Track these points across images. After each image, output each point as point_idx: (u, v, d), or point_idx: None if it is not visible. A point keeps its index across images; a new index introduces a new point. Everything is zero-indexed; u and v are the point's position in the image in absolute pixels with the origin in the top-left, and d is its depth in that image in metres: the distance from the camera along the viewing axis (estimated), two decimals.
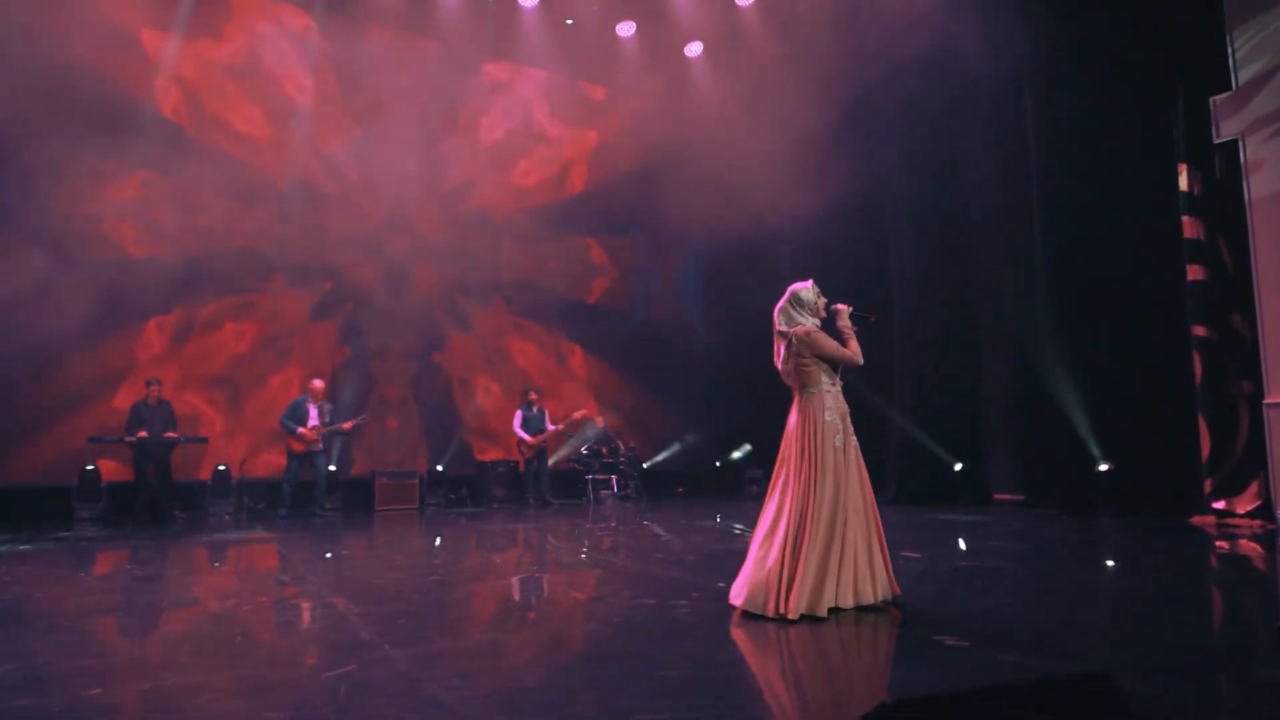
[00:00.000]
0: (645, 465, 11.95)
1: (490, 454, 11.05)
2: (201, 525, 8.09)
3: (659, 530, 7.24)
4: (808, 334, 4.05)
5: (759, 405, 12.27)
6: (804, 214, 11.24)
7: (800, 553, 3.88)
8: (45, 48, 8.92)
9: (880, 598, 3.77)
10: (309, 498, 9.49)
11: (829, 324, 4.18)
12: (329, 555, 5.99)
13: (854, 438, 3.95)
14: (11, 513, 8.51)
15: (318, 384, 9.34)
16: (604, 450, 10.84)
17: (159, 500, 8.65)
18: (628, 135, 12.68)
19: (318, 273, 10.50)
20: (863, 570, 3.77)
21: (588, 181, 12.65)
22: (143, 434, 8.59)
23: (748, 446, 12.66)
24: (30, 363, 8.90)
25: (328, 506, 9.68)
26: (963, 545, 5.88)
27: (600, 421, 11.13)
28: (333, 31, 10.65)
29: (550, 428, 10.42)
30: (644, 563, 5.41)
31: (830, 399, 3.98)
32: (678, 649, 3.06)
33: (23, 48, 8.77)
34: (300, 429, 9.07)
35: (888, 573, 3.84)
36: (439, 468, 10.43)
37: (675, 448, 12.47)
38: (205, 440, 9.17)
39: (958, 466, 9.50)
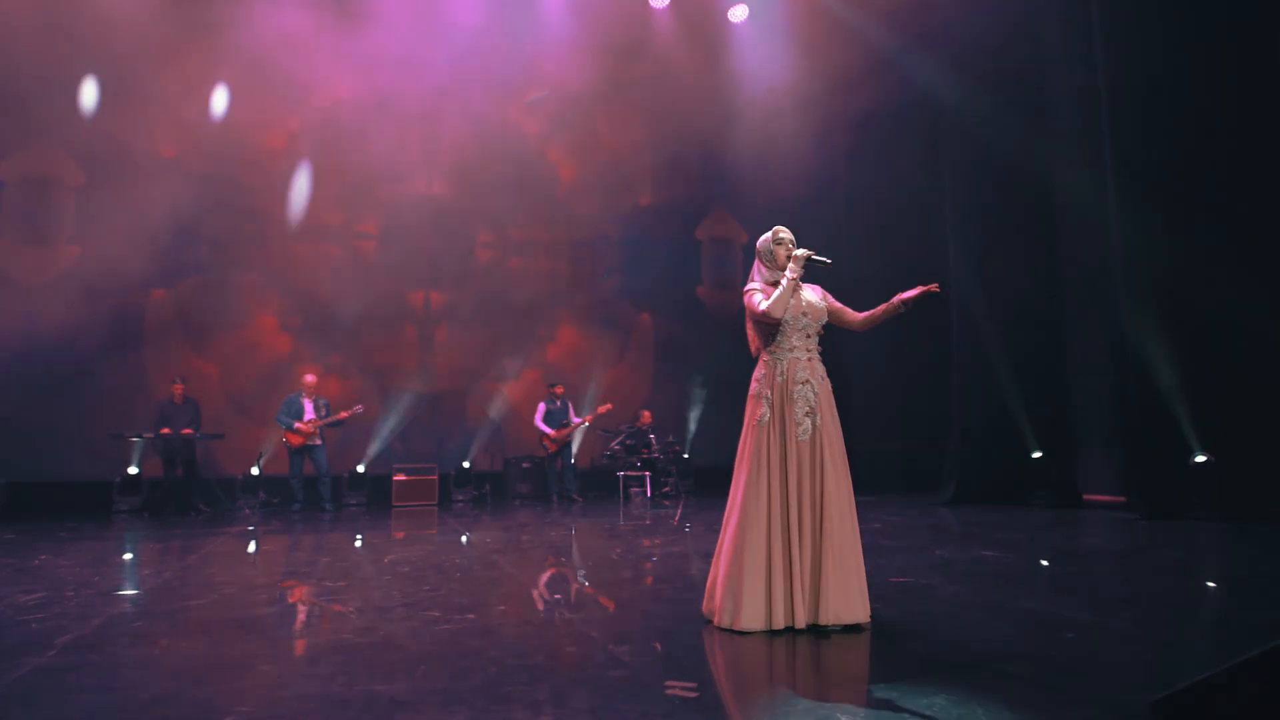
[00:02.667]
0: (685, 457, 11.32)
1: (515, 449, 10.65)
2: (222, 519, 8.07)
3: (690, 529, 6.63)
4: (744, 293, 3.39)
5: None
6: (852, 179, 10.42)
7: (719, 554, 3.22)
8: None
9: (822, 621, 3.02)
10: (334, 494, 9.47)
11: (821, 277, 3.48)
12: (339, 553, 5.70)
13: (814, 420, 3.17)
14: (60, 504, 8.78)
15: (310, 378, 9.23)
16: (641, 447, 10.26)
17: (182, 494, 8.71)
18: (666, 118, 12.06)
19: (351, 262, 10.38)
20: (796, 586, 3.05)
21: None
22: (165, 431, 8.65)
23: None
24: (78, 362, 9.18)
25: (352, 502, 9.54)
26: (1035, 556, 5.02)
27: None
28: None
29: (576, 421, 9.94)
30: (646, 571, 4.81)
31: (767, 368, 3.31)
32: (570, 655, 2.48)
33: None
34: (297, 423, 8.94)
35: (849, 594, 3.04)
36: (465, 464, 10.12)
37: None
38: (221, 436, 9.15)
39: (1036, 454, 8.40)
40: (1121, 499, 7.79)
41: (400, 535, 6.72)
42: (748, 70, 11.30)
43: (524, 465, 10.15)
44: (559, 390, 9.97)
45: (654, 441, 10.23)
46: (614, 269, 11.78)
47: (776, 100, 10.84)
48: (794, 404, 3.20)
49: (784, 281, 3.27)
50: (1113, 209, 7.38)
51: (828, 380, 3.33)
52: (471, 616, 3.39)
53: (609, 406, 10.10)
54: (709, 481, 11.50)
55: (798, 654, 2.83)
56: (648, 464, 10.17)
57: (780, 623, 3.03)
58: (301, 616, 3.60)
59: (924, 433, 9.76)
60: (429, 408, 10.55)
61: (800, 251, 3.33)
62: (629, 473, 10.16)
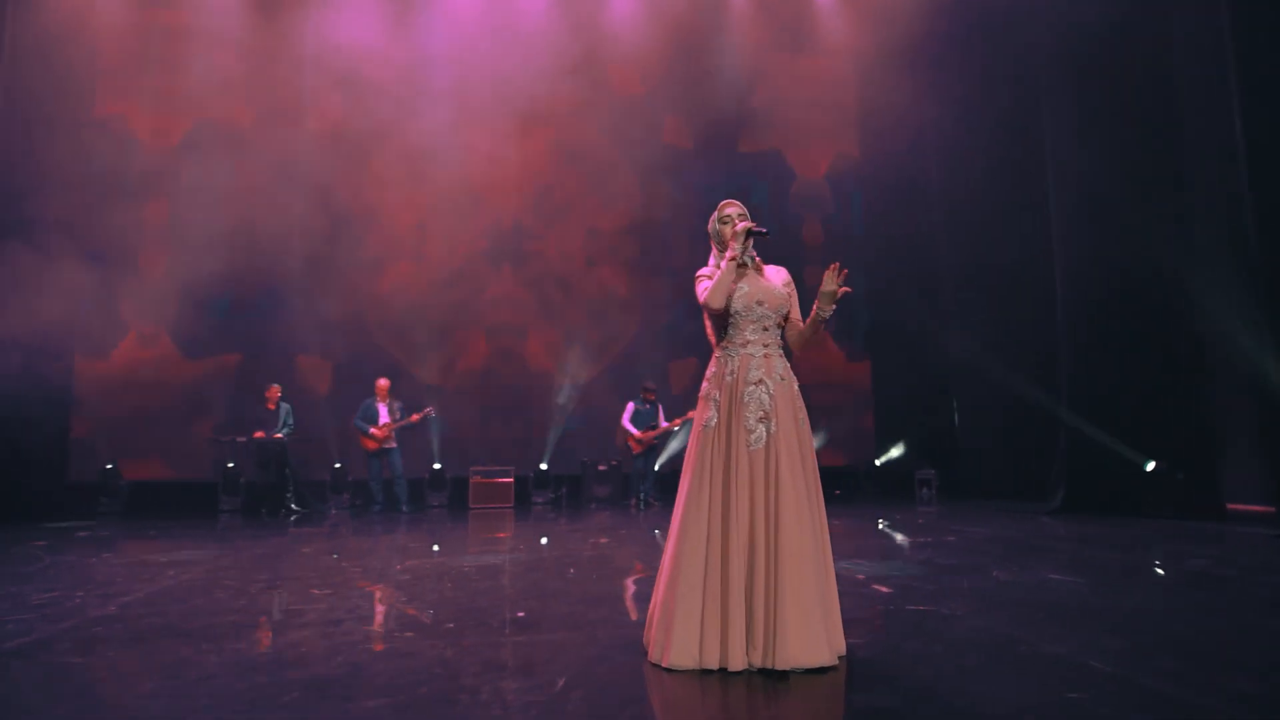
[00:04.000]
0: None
1: (593, 452, 10.50)
2: (310, 519, 8.44)
3: None
4: (695, 280, 3.02)
5: (923, 392, 10.74)
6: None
7: (659, 577, 2.87)
8: None
9: (779, 666, 2.58)
10: (416, 495, 9.72)
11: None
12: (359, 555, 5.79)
13: (768, 426, 2.73)
14: (174, 503, 9.52)
15: (383, 383, 9.44)
16: None
17: (274, 495, 9.18)
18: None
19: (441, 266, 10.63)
20: (733, 621, 2.64)
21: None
22: (258, 434, 9.16)
23: (900, 445, 11.05)
24: (189, 366, 9.92)
25: (434, 504, 9.75)
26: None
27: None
28: None
29: (664, 424, 9.67)
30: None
31: (717, 365, 2.92)
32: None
33: None
34: (372, 428, 9.17)
35: (811, 634, 2.58)
36: (543, 466, 10.11)
37: (895, 450, 11.09)
38: (309, 440, 9.56)
39: (1153, 461, 7.35)
40: (1272, 509, 6.66)
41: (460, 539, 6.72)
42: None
43: (601, 468, 10.00)
44: (650, 393, 9.68)
45: None
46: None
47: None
48: (744, 408, 2.78)
49: (722, 264, 2.87)
50: (1244, 173, 6.31)
51: (792, 380, 2.89)
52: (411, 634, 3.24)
53: (691, 415, 9.74)
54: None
55: (730, 698, 2.45)
56: None
57: (713, 662, 2.64)
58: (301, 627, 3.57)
59: (1036, 433, 8.80)
60: (509, 408, 10.61)
61: (741, 226, 2.88)
62: None
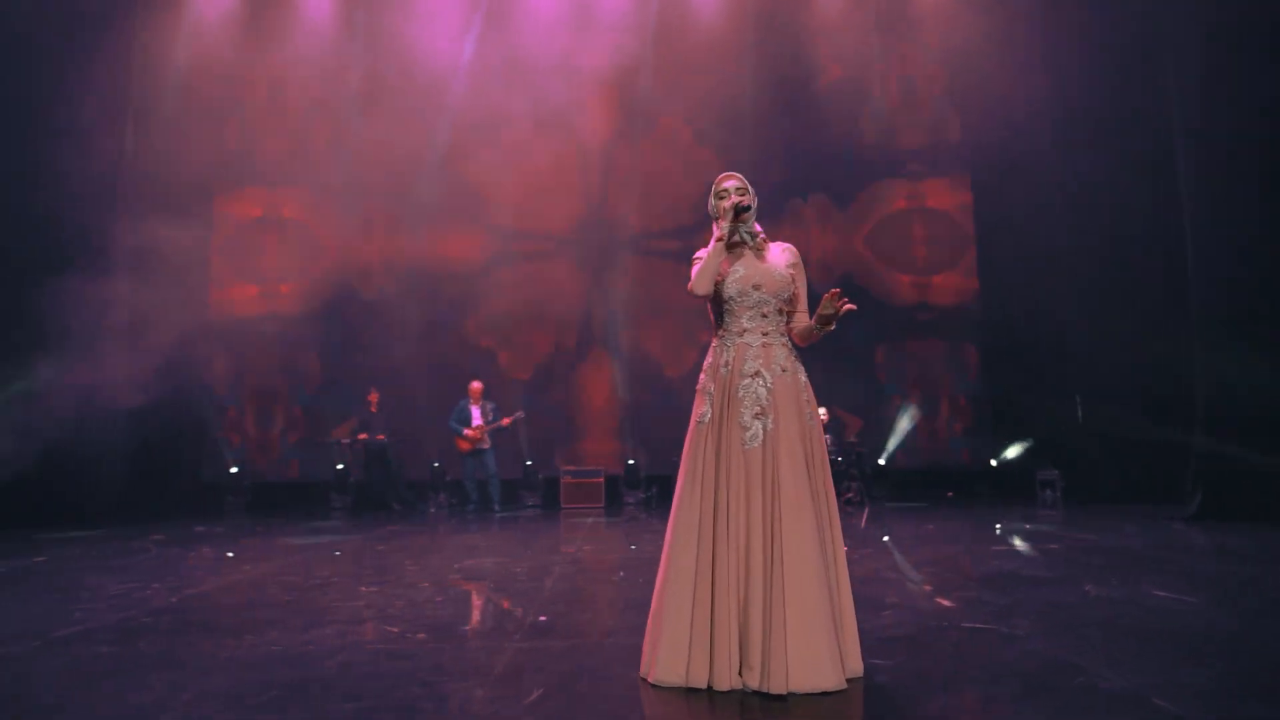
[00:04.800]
0: (880, 462, 10.24)
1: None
2: (411, 516, 8.76)
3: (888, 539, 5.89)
4: (691, 261, 2.78)
5: (1042, 388, 9.89)
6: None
7: (655, 586, 2.65)
8: None
9: (773, 689, 2.31)
10: (510, 495, 9.89)
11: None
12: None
13: (764, 423, 2.48)
14: (290, 502, 10.14)
15: (476, 385, 9.59)
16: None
17: (378, 493, 9.60)
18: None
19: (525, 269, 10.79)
20: (721, 637, 2.40)
21: None
22: (363, 436, 9.60)
23: (1020, 443, 10.20)
24: (303, 371, 10.56)
25: (529, 503, 9.88)
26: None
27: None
28: None
29: None
30: None
31: (713, 355, 2.67)
32: None
33: None
34: (465, 430, 9.34)
35: (814, 654, 2.30)
36: (630, 462, 10.02)
37: (1017, 448, 10.36)
38: (403, 442, 9.90)
39: None
40: None
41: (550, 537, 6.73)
42: None
43: None
44: None
45: (829, 442, 9.34)
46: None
47: None
48: (739, 403, 2.53)
49: (709, 245, 2.62)
50: None
51: (796, 372, 2.62)
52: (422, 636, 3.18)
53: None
54: (910, 485, 10.30)
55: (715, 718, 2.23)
56: None
57: (700, 681, 2.41)
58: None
59: (1169, 431, 7.84)
60: (601, 408, 10.59)
61: (728, 203, 2.62)
62: None
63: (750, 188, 2.70)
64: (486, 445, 9.43)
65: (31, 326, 7.86)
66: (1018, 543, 5.83)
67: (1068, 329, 9.40)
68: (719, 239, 2.61)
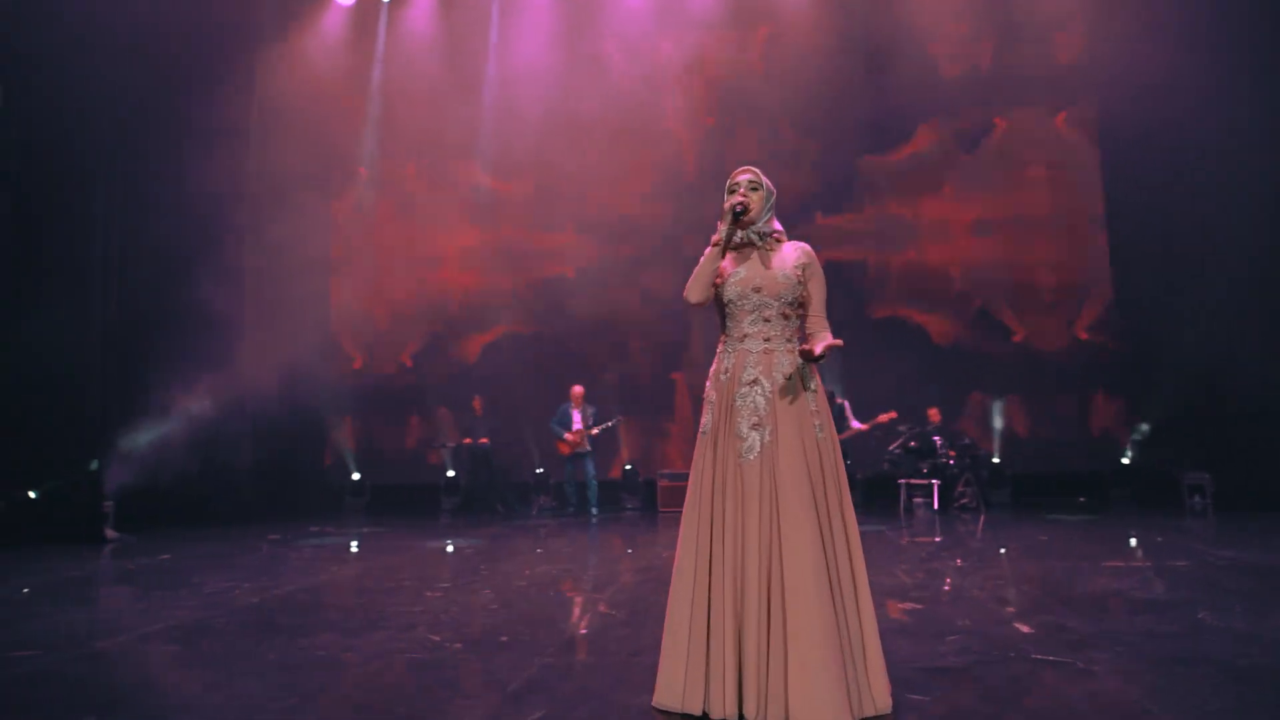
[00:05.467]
0: (996, 461, 9.53)
1: None
2: (513, 518, 9.00)
3: (1005, 551, 5.54)
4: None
5: (1186, 384, 8.90)
6: None
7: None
8: None
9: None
10: (611, 498, 9.95)
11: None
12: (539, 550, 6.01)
13: (761, 434, 2.32)
14: (405, 504, 10.63)
15: (577, 389, 9.65)
16: (927, 450, 8.90)
17: (482, 496, 9.90)
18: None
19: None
20: (715, 663, 2.24)
21: None
22: (467, 440, 9.93)
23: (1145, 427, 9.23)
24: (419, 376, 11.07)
25: (629, 506, 9.89)
26: None
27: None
28: None
29: (855, 425, 8.96)
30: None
31: (717, 362, 2.53)
32: None
33: None
34: (566, 433, 9.43)
35: (814, 689, 2.10)
36: None
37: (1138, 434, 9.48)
38: (506, 445, 10.14)
39: None
40: None
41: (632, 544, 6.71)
42: None
43: None
44: (833, 396, 9.07)
45: (940, 444, 8.78)
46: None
47: None
48: (736, 412, 2.39)
49: (707, 250, 2.47)
50: None
51: (806, 378, 2.44)
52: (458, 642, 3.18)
53: (893, 415, 8.90)
54: (1032, 491, 9.54)
55: None
56: (936, 471, 8.76)
57: (695, 707, 2.27)
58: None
59: None
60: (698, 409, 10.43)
61: (727, 204, 2.46)
62: (913, 481, 8.87)
63: (765, 182, 2.52)
64: (586, 449, 9.51)
65: (170, 333, 8.53)
66: (1139, 558, 5.23)
67: (1213, 322, 8.38)
68: (715, 242, 2.45)
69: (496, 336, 10.91)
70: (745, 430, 2.35)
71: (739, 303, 2.45)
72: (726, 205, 2.46)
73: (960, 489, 8.91)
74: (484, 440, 9.86)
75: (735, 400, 2.39)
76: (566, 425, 9.57)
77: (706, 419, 2.46)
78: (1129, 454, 9.47)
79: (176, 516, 8.53)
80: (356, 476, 10.66)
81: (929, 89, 10.20)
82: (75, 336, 7.43)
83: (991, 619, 3.50)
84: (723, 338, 2.54)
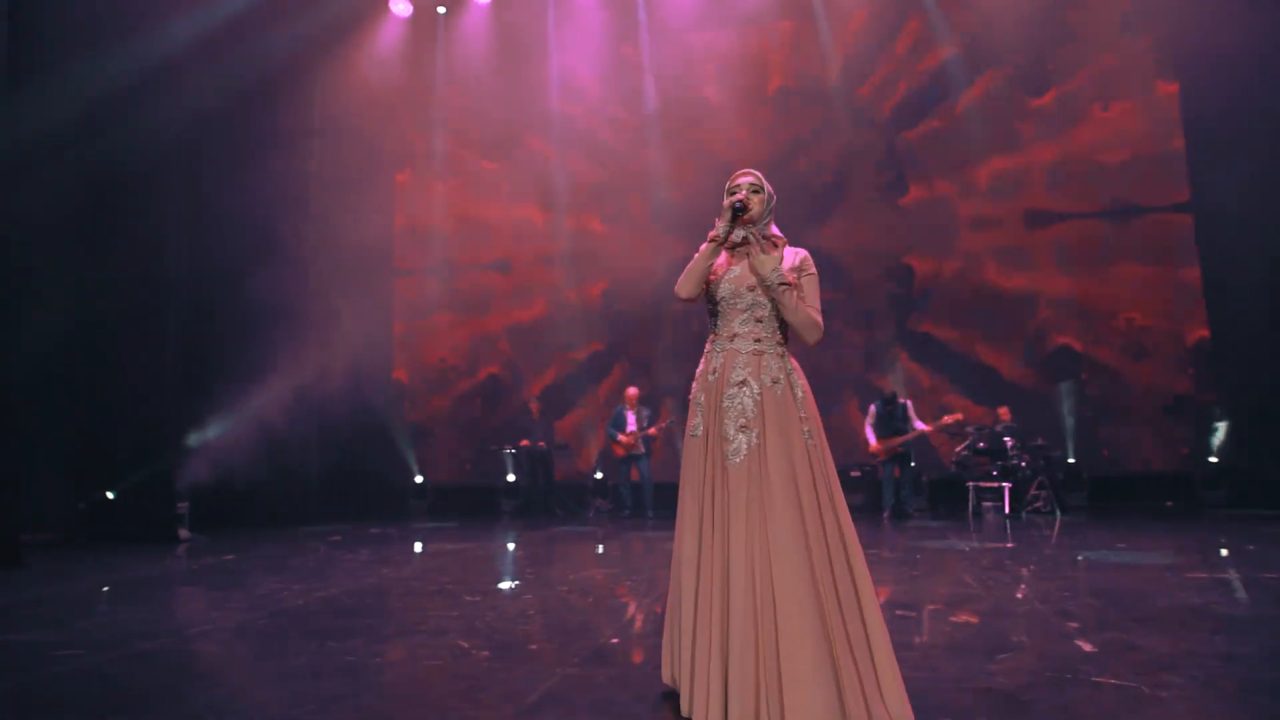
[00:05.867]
0: (1071, 462, 9.02)
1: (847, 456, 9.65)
2: (571, 520, 9.00)
3: (1082, 559, 5.26)
4: None
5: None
6: None
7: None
8: None
9: None
10: (667, 500, 9.85)
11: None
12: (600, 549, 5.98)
13: (748, 438, 2.26)
14: (467, 505, 10.75)
15: (632, 391, 9.62)
16: (997, 451, 8.48)
17: (541, 499, 9.93)
18: None
19: None
20: (711, 673, 2.13)
21: None
22: (524, 443, 9.98)
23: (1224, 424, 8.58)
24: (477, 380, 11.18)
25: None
26: None
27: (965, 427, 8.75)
28: None
29: (919, 426, 8.61)
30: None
31: (704, 362, 2.49)
32: None
33: None
34: (620, 435, 9.37)
35: (808, 712, 2.00)
36: None
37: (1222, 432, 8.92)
38: (565, 447, 10.12)
39: None
40: None
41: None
42: None
43: (854, 474, 9.17)
44: (890, 397, 8.68)
45: (1011, 445, 8.35)
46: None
47: None
48: (724, 413, 2.33)
49: (701, 247, 2.42)
50: None
51: (792, 382, 2.37)
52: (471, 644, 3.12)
53: (958, 417, 8.52)
54: (1111, 494, 9.01)
55: None
56: (1007, 473, 8.34)
57: (699, 714, 2.16)
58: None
59: None
60: None
61: (726, 202, 2.40)
62: (982, 483, 8.47)
63: (766, 186, 2.48)
64: (641, 451, 9.43)
65: (239, 334, 8.83)
66: (1226, 568, 4.83)
67: None
68: (712, 239, 2.40)
69: (557, 337, 10.93)
70: (732, 432, 2.29)
71: (731, 301, 2.41)
72: (726, 204, 2.41)
73: (1033, 492, 8.47)
74: (541, 443, 9.89)
75: (723, 401, 2.34)
76: (621, 427, 9.51)
77: (696, 421, 2.41)
78: (1219, 453, 8.82)
79: (248, 517, 8.83)
80: (419, 479, 10.84)
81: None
82: (149, 339, 7.75)
83: (1052, 635, 3.25)
84: (711, 336, 2.49)
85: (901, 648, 3.03)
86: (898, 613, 3.75)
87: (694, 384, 2.48)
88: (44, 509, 7.66)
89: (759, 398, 2.30)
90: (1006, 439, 8.45)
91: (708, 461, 2.32)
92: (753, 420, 2.28)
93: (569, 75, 10.97)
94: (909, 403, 8.76)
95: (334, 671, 2.96)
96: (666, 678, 2.44)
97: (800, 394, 2.35)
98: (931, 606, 3.91)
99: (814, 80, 10.45)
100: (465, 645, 3.33)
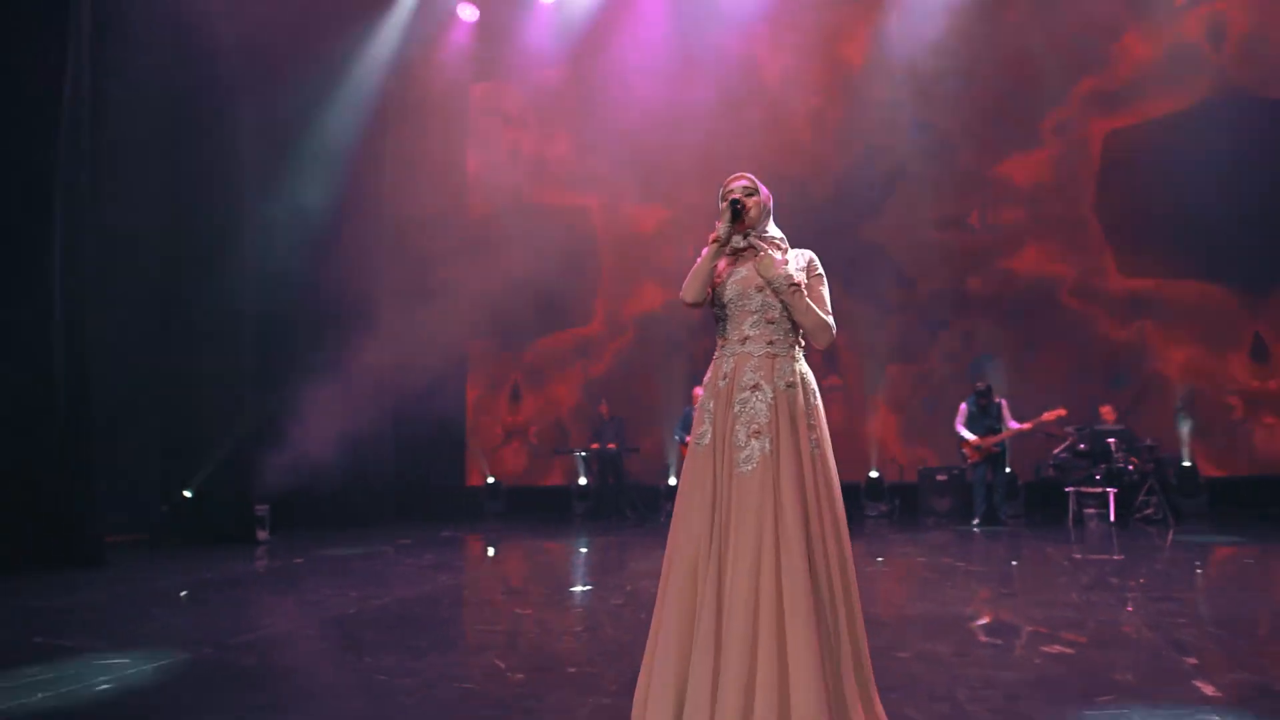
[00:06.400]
0: (1187, 465, 8.21)
1: (932, 459, 9.08)
2: (642, 523, 8.82)
3: (1200, 570, 4.76)
4: None
5: None
6: None
7: None
8: None
9: None
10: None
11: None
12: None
13: (762, 444, 2.15)
14: (539, 507, 10.68)
15: (699, 391, 9.20)
16: (1100, 454, 7.78)
17: (611, 501, 9.74)
18: None
19: None
20: (699, 687, 2.01)
21: None
22: (594, 445, 9.81)
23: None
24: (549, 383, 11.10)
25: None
26: None
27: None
28: None
29: (1014, 426, 8.00)
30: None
31: (713, 368, 2.37)
32: None
33: None
34: (688, 437, 9.01)
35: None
36: (873, 474, 9.05)
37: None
38: (637, 450, 9.89)
39: None
40: None
41: None
42: None
43: (941, 478, 8.60)
44: (984, 395, 8.06)
45: (1116, 446, 7.64)
46: None
47: None
48: (735, 419, 2.22)
49: (703, 250, 2.33)
50: None
51: (803, 389, 2.27)
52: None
53: (1062, 413, 7.85)
54: (1236, 500, 8.16)
55: None
56: (1112, 477, 7.63)
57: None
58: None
59: None
60: (846, 414, 9.74)
61: (725, 203, 2.32)
62: (1083, 489, 7.78)
63: (762, 189, 2.40)
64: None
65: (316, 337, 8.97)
66: None
67: None
68: (714, 240, 2.31)
69: (628, 333, 10.74)
70: (743, 439, 2.19)
71: (740, 303, 2.31)
72: (723, 206, 2.33)
73: (1142, 498, 7.73)
74: (611, 445, 9.70)
75: (734, 406, 2.23)
76: (689, 429, 9.20)
77: (704, 428, 2.27)
78: None
79: (326, 519, 8.96)
80: (491, 480, 10.83)
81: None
82: (228, 342, 7.94)
83: (1164, 673, 2.80)
84: (720, 341, 2.39)
85: (981, 684, 2.68)
86: (982, 639, 3.35)
87: (702, 390, 2.37)
88: (134, 510, 7.94)
89: (772, 402, 2.20)
90: (1110, 439, 7.73)
91: (715, 471, 2.19)
92: (765, 426, 2.18)
93: (633, 69, 10.70)
94: (1004, 402, 8.14)
95: (357, 691, 2.81)
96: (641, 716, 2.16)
97: (812, 399, 2.27)
98: (1026, 630, 3.49)
99: None
100: (501, 665, 3.13)
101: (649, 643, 2.20)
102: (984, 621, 3.69)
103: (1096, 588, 4.44)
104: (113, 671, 3.04)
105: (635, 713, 2.17)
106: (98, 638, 3.69)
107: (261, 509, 8.01)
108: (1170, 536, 6.76)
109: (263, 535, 7.87)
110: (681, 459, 9.27)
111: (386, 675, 3.00)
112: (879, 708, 2.16)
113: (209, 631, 3.79)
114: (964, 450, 8.17)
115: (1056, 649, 3.18)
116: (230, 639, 3.64)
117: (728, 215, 2.29)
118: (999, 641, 3.31)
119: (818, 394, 2.30)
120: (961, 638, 3.38)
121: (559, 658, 3.23)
